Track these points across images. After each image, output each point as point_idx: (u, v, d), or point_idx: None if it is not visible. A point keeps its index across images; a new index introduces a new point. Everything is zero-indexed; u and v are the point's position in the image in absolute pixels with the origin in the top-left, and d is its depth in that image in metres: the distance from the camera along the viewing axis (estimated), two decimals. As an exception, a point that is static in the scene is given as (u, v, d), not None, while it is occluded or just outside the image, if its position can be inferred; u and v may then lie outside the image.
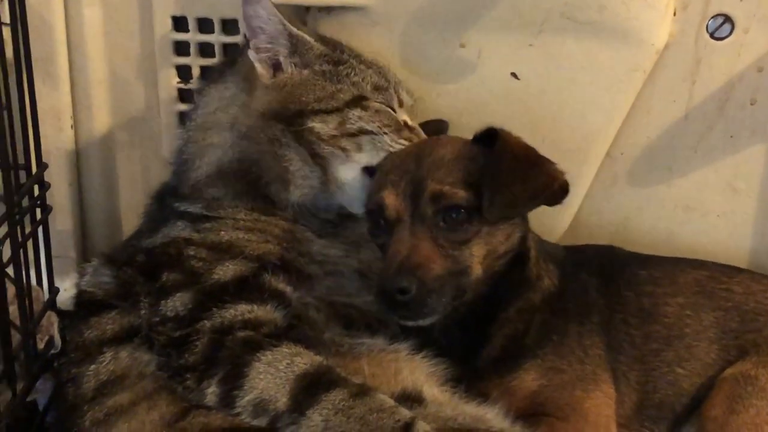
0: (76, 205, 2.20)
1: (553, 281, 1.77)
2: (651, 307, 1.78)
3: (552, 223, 1.99)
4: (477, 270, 1.62)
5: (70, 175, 2.17)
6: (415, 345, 1.67)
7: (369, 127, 1.75)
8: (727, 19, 1.88)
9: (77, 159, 2.18)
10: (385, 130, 1.76)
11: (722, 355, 1.76)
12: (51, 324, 1.83)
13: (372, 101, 1.78)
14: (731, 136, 1.97)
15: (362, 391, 1.47)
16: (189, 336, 1.56)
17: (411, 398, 1.57)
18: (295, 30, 1.78)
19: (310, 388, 1.47)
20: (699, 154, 1.99)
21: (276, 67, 1.79)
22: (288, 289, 1.66)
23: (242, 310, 1.58)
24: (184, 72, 2.08)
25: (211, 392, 1.51)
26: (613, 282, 1.81)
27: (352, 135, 1.75)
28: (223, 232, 1.71)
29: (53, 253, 1.96)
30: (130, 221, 2.14)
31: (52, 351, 1.80)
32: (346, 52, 1.84)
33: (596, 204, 2.05)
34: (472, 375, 1.70)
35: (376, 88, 1.81)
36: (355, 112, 1.75)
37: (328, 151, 1.75)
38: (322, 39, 1.84)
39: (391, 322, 1.70)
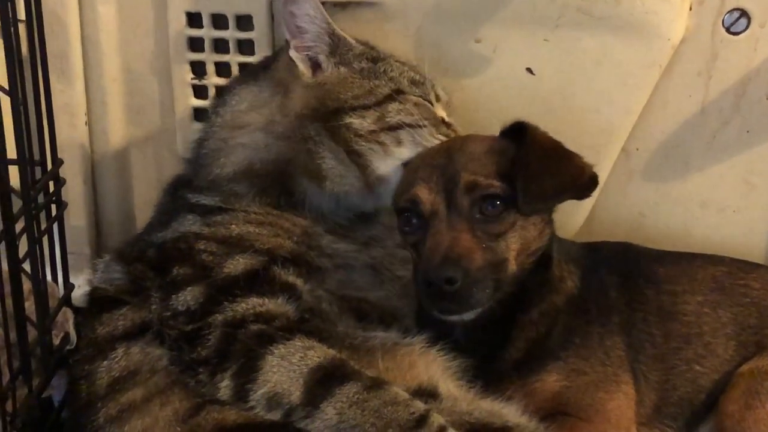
0: (91, 201, 2.21)
1: (575, 282, 1.76)
2: (670, 305, 1.78)
3: (567, 219, 1.98)
4: (513, 264, 1.62)
5: (84, 171, 2.17)
6: (429, 339, 1.66)
7: (408, 120, 1.75)
8: (743, 13, 1.88)
9: (91, 155, 2.18)
10: (424, 122, 1.76)
11: (740, 351, 1.75)
12: (66, 320, 1.84)
13: (410, 95, 1.78)
14: (747, 131, 1.96)
15: (376, 384, 1.47)
16: (201, 330, 1.56)
17: (426, 393, 1.56)
18: (337, 29, 1.79)
19: (323, 382, 1.47)
20: (715, 149, 1.98)
21: (315, 66, 1.79)
22: (299, 282, 1.66)
23: (254, 303, 1.58)
24: (198, 68, 2.08)
25: (225, 386, 1.51)
26: (632, 280, 1.81)
27: (391, 129, 1.75)
28: (233, 226, 1.71)
29: (68, 249, 1.96)
30: (144, 217, 2.10)
31: (68, 347, 1.80)
32: (380, 50, 1.85)
33: (612, 200, 2.04)
34: (491, 376, 1.69)
35: (413, 83, 1.81)
36: (394, 106, 1.76)
37: (365, 148, 1.75)
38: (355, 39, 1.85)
39: (404, 316, 1.73)
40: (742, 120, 1.95)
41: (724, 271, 1.83)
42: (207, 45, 2.06)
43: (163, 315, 1.61)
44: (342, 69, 1.79)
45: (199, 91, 2.09)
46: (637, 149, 2.00)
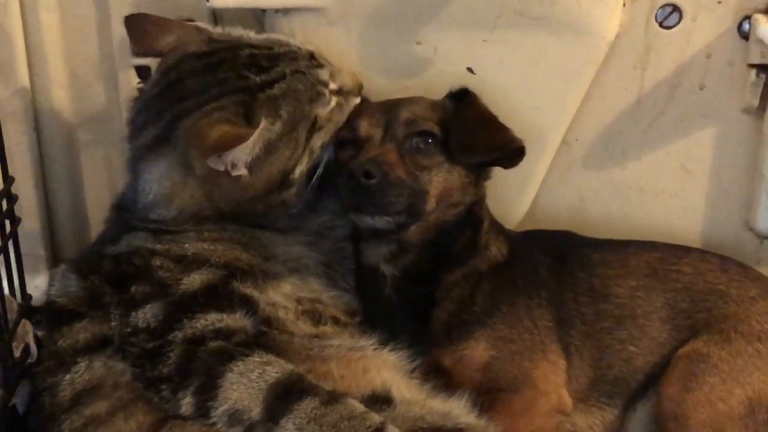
0: (43, 205, 2.22)
1: (502, 252, 1.85)
2: (602, 287, 1.85)
3: (510, 209, 2.05)
4: (432, 201, 1.72)
5: (35, 176, 2.19)
6: (380, 339, 1.73)
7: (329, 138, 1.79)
8: (675, 8, 1.92)
9: (41, 160, 2.19)
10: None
11: (675, 335, 1.82)
12: (26, 333, 1.85)
13: (320, 117, 1.78)
14: (682, 120, 2.02)
15: (333, 398, 1.51)
16: (162, 347, 1.59)
17: (380, 400, 1.62)
18: None
19: (282, 397, 1.50)
20: (651, 137, 2.04)
21: None
22: (256, 294, 1.69)
23: (212, 319, 1.61)
24: (145, 72, 2.07)
25: (187, 402, 1.54)
26: (564, 263, 1.88)
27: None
28: (187, 245, 1.72)
29: (23, 251, 1.97)
30: (98, 218, 2.15)
31: (29, 360, 1.82)
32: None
33: (553, 189, 2.10)
34: (424, 340, 1.78)
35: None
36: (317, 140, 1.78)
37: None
38: None
39: (357, 311, 1.81)
40: (677, 109, 2.01)
41: (658, 257, 1.89)
42: (151, 49, 2.06)
43: (123, 332, 1.63)
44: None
45: (146, 95, 2.09)
46: (577, 140, 2.05)
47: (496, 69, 1.94)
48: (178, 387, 1.56)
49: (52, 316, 1.74)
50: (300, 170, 1.75)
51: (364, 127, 1.75)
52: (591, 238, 1.96)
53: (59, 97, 2.15)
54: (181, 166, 1.70)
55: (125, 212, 1.83)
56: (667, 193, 2.09)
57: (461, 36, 1.93)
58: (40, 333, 1.81)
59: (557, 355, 1.79)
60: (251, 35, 1.82)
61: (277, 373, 1.53)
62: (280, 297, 1.73)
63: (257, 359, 1.55)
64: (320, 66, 1.80)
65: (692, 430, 1.72)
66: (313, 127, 1.75)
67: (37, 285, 2.06)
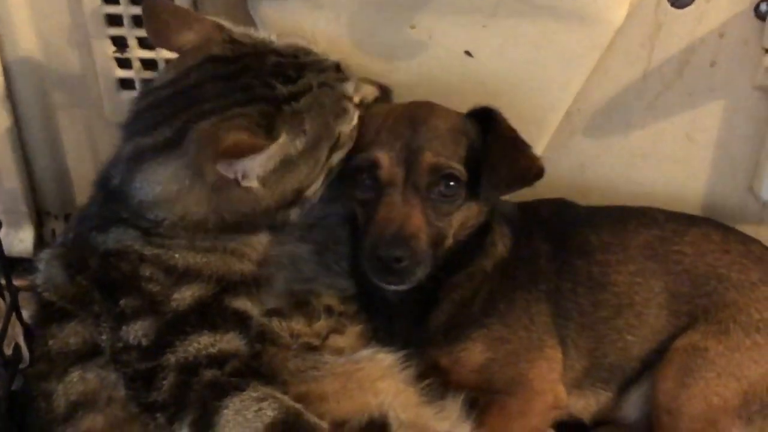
0: (22, 166, 2.17)
1: (506, 247, 1.81)
2: (601, 276, 1.82)
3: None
4: (450, 239, 1.70)
5: (11, 138, 2.12)
6: (375, 334, 1.75)
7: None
8: (690, -12, 1.80)
9: (17, 122, 2.12)
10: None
11: (672, 321, 1.81)
12: (17, 334, 1.85)
13: (343, 134, 1.70)
14: (689, 94, 1.94)
15: None
16: (155, 370, 1.57)
17: (377, 430, 1.62)
18: None
19: None
20: (656, 109, 1.96)
21: None
22: (249, 305, 1.66)
23: (205, 342, 1.58)
24: (120, 41, 1.98)
25: None
26: (564, 249, 1.84)
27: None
28: (177, 255, 1.66)
29: (3, 208, 2.00)
30: (80, 174, 2.20)
31: (22, 365, 1.82)
32: None
33: (553, 155, 2.01)
34: (422, 340, 1.77)
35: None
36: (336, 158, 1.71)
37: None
38: None
39: (350, 298, 1.79)
40: (685, 85, 1.92)
41: (658, 236, 1.85)
42: (126, 21, 1.95)
43: (115, 346, 1.61)
44: None
45: (123, 63, 2.00)
46: (579, 110, 1.97)
47: (495, 53, 1.84)
48: (174, 418, 1.55)
49: (40, 310, 1.71)
50: (314, 188, 1.68)
51: (385, 164, 1.66)
52: (589, 211, 1.91)
53: (31, 61, 2.05)
54: (191, 171, 1.61)
55: (114, 202, 1.72)
56: (671, 159, 2.03)
57: (458, 21, 1.81)
58: (21, 282, 1.83)
59: (554, 350, 1.79)
60: (273, 39, 1.71)
61: (274, 411, 1.52)
62: (273, 299, 1.71)
63: (253, 394, 1.53)
64: (346, 79, 1.70)
65: (686, 423, 1.73)
66: (336, 145, 1.67)
67: (22, 239, 2.15)
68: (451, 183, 1.66)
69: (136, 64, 1.99)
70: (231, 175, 1.57)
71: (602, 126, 2.00)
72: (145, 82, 1.98)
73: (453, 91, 1.83)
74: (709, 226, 1.90)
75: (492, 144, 1.69)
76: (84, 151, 2.15)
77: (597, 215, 1.90)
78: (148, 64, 2.00)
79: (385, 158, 1.66)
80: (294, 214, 1.70)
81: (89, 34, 1.96)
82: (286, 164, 1.61)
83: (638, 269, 1.82)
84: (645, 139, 2.00)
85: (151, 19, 1.70)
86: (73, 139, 2.16)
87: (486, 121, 1.71)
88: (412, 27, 1.83)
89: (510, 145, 1.71)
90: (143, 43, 1.98)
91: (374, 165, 1.66)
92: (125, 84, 2.01)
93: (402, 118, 1.70)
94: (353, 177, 1.70)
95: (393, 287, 1.68)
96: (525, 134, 1.71)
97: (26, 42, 2.01)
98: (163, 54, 1.96)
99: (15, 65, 2.04)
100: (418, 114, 1.71)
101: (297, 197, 1.66)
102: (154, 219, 1.66)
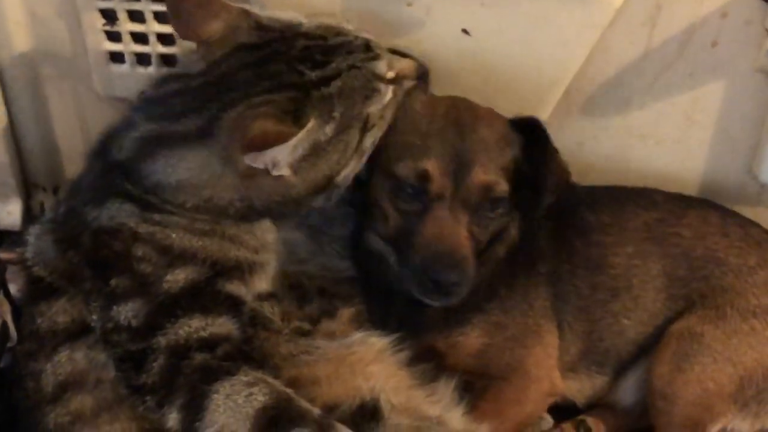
0: (9, 137, 2.12)
1: (517, 231, 1.80)
2: (599, 257, 1.81)
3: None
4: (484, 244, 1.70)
5: (-1, 111, 2.09)
6: (368, 317, 1.73)
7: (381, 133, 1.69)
8: (693, -32, 1.77)
9: (5, 94, 2.08)
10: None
11: (669, 305, 1.81)
12: (5, 312, 1.82)
13: (372, 115, 1.66)
14: (690, 74, 1.91)
15: (323, 428, 1.50)
16: (145, 352, 1.55)
17: (369, 413, 1.61)
18: None
19: (270, 426, 1.49)
20: (657, 90, 1.94)
21: None
22: (242, 289, 1.64)
23: (196, 326, 1.56)
24: (109, 13, 1.93)
25: (173, 418, 1.53)
26: (563, 229, 1.83)
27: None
28: (174, 235, 1.63)
29: None
30: (69, 146, 2.17)
31: (9, 344, 1.80)
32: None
33: (551, 134, 1.94)
34: (420, 326, 1.75)
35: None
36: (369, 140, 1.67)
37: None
38: None
39: (343, 280, 1.77)
40: (686, 64, 1.90)
41: (656, 218, 1.84)
42: (115, -6, 1.90)
43: (105, 326, 1.59)
44: None
45: (113, 36, 1.95)
46: (578, 89, 1.94)
47: (493, 31, 1.80)
48: (163, 401, 1.53)
49: (29, 286, 1.68)
50: (346, 173, 1.65)
51: (436, 177, 1.62)
52: (588, 191, 1.91)
53: (18, 33, 2.00)
54: (222, 159, 1.59)
55: (116, 175, 1.68)
56: (670, 139, 2.01)
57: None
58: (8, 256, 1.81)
59: (551, 335, 1.78)
60: (302, 20, 1.67)
61: (264, 396, 1.51)
62: (266, 283, 1.69)
63: (243, 378, 1.52)
64: (376, 57, 1.66)
65: (681, 407, 1.74)
66: (365, 126, 1.64)
67: (10, 211, 2.16)
68: (498, 203, 1.66)
69: (126, 37, 1.95)
70: (261, 166, 1.54)
71: (601, 105, 1.97)
72: (136, 55, 1.97)
73: (450, 70, 1.81)
74: (708, 209, 1.89)
75: (541, 162, 1.70)
76: (73, 124, 2.12)
77: (595, 195, 1.88)
78: (138, 38, 1.96)
79: (436, 170, 1.62)
80: (319, 201, 1.68)
81: (78, 7, 1.91)
82: (317, 151, 1.59)
83: (636, 251, 1.81)
84: (644, 118, 1.98)
85: (175, 10, 1.66)
86: (61, 112, 2.12)
87: (527, 130, 1.71)
88: (409, 4, 1.79)
89: (557, 161, 1.73)
90: (133, 16, 1.93)
91: (424, 178, 1.62)
92: (115, 57, 1.97)
93: (448, 121, 1.67)
94: (397, 187, 1.67)
95: (438, 303, 1.68)
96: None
97: (14, 14, 1.96)
98: (154, 27, 1.92)
99: (2, 37, 2.00)
100: (465, 119, 1.68)
101: (328, 184, 1.64)
102: (171, 200, 1.63)
